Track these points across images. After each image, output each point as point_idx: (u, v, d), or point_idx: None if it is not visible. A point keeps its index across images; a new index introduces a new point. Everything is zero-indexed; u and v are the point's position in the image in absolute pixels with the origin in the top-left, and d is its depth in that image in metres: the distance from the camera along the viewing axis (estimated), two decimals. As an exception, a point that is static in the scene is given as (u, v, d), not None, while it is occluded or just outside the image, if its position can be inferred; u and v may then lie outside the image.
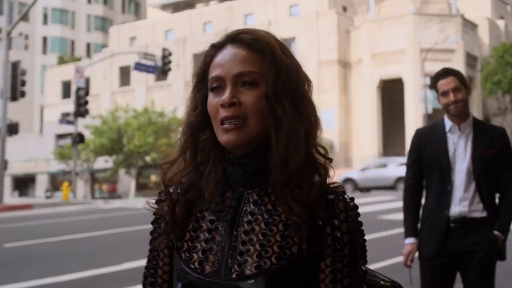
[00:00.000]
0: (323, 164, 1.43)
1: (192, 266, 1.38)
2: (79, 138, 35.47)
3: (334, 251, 1.36)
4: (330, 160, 1.44)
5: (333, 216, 1.36)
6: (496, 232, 3.83)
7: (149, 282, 1.49)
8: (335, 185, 1.42)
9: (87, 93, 34.84)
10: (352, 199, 1.41)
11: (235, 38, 1.41)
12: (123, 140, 46.60)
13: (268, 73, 1.36)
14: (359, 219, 1.43)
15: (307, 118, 1.39)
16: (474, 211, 3.85)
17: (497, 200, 3.95)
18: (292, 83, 1.39)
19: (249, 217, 1.38)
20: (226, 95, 1.35)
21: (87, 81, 33.91)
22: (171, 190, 1.49)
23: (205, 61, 1.44)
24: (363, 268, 1.45)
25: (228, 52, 1.39)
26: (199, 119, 1.44)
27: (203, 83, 1.44)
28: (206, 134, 1.43)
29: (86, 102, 34.33)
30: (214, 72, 1.39)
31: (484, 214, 3.84)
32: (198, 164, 1.45)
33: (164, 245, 1.45)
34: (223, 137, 1.36)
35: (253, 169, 1.40)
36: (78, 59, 68.89)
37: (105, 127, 46.84)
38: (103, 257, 10.84)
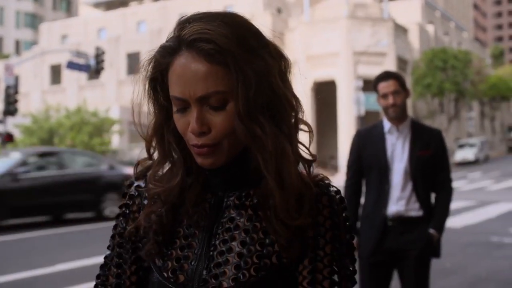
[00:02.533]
0: (306, 160, 1.32)
1: (165, 274, 1.27)
2: (9, 138, 34.49)
3: (313, 250, 1.26)
4: (314, 157, 1.33)
5: (315, 213, 1.26)
6: (431, 231, 3.95)
7: (115, 283, 1.36)
8: (320, 177, 1.31)
9: (16, 92, 33.92)
10: (338, 192, 1.31)
11: (191, 44, 1.20)
12: (54, 140, 45.57)
13: (236, 89, 1.19)
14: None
15: (288, 122, 1.27)
16: (410, 210, 3.95)
17: (433, 200, 4.08)
18: (264, 94, 1.22)
19: (229, 224, 1.28)
20: (193, 122, 1.20)
21: (16, 79, 32.96)
22: (142, 185, 1.38)
23: (160, 69, 1.26)
24: (351, 268, 1.30)
25: (186, 65, 1.20)
26: (174, 131, 1.30)
27: (161, 87, 1.29)
28: (183, 144, 1.30)
29: (16, 101, 33.43)
30: (175, 91, 1.22)
31: (420, 213, 3.95)
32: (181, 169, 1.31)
33: (154, 255, 1.30)
34: (197, 159, 1.25)
35: (232, 176, 1.30)
36: (6, 56, 66.96)
37: (36, 126, 45.71)
38: (37, 258, 10.59)
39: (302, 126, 1.33)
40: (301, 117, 1.32)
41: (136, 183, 1.39)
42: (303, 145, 1.33)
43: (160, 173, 1.34)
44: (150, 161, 1.36)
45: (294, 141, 1.28)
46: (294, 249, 1.24)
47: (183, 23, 1.24)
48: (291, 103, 1.28)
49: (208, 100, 1.20)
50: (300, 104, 1.31)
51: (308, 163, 1.32)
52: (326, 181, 1.32)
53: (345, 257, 1.29)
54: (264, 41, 1.27)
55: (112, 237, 1.39)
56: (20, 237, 14.31)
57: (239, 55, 1.19)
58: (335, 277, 1.26)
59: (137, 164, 1.39)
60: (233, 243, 1.25)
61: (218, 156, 1.24)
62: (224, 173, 1.30)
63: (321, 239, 1.26)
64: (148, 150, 1.35)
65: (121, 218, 1.39)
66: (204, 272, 1.25)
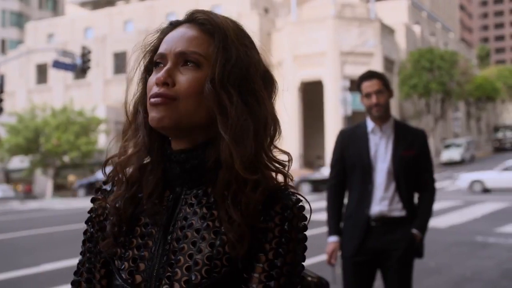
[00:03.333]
0: (278, 171, 1.32)
1: (124, 275, 1.26)
2: (-6, 137, 34.26)
3: (258, 254, 1.24)
4: (284, 167, 1.33)
5: (267, 219, 1.25)
6: (414, 231, 3.94)
7: None
8: (282, 184, 1.32)
9: (2, 91, 33.72)
10: (297, 201, 1.30)
11: (190, 17, 1.34)
12: (40, 139, 45.34)
13: (215, 57, 1.27)
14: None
15: (257, 115, 1.27)
16: (393, 210, 3.94)
17: (416, 200, 4.08)
18: (241, 74, 1.28)
19: (183, 222, 1.27)
20: (161, 72, 1.26)
21: (2, 78, 32.75)
22: (108, 188, 1.38)
23: (159, 38, 1.35)
24: (295, 279, 1.28)
25: (179, 31, 1.31)
26: (145, 105, 1.33)
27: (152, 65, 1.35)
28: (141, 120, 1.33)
29: (1, 100, 33.24)
30: (160, 49, 1.31)
31: (403, 213, 3.94)
32: (142, 159, 1.33)
33: (112, 250, 1.30)
34: (150, 114, 1.26)
35: (191, 167, 1.29)
36: (-7, 55, 66.60)
37: (22, 125, 45.45)
38: (22, 259, 10.54)
39: (280, 156, 1.35)
40: (277, 140, 1.34)
41: (104, 187, 1.41)
42: (286, 152, 1.35)
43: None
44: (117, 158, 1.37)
45: (261, 134, 1.29)
46: (242, 247, 1.22)
47: (190, 10, 1.37)
48: (264, 107, 1.30)
49: (185, 57, 1.28)
50: (279, 125, 1.34)
51: (283, 174, 1.33)
52: (289, 190, 1.31)
53: (288, 266, 1.25)
54: (256, 50, 1.36)
55: (83, 242, 1.40)
56: (4, 237, 14.22)
57: (229, 34, 1.30)
58: (272, 283, 1.23)
59: (105, 163, 1.40)
60: (186, 241, 1.25)
61: (170, 113, 1.25)
62: (183, 162, 1.30)
63: (267, 244, 1.24)
64: (125, 131, 1.37)
65: (89, 223, 1.39)
66: (161, 271, 1.24)
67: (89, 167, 46.98)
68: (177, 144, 1.31)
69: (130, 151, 1.34)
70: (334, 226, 4.09)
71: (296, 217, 1.27)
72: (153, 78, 1.28)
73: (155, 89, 1.26)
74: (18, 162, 49.15)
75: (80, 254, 1.40)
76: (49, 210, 25.66)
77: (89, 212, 1.40)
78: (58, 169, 48.89)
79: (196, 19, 1.32)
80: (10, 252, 11.57)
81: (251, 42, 1.35)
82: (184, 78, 1.26)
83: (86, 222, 1.40)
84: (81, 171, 49.01)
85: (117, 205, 1.31)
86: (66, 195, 44.49)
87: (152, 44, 1.36)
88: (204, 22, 1.30)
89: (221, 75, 1.25)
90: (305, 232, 1.29)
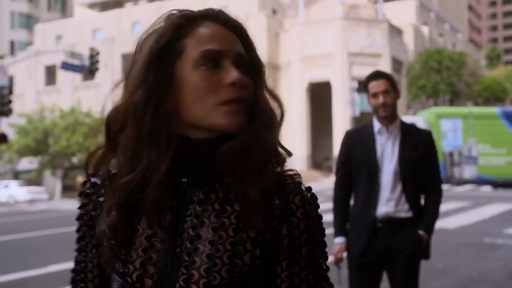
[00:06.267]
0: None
1: (129, 279, 1.18)
2: (3, 138, 34.38)
3: (290, 253, 1.22)
4: (290, 154, 1.30)
5: (289, 213, 1.22)
6: (421, 232, 3.93)
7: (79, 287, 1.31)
8: (291, 172, 1.27)
9: (11, 92, 33.86)
10: (308, 189, 1.27)
11: (213, 15, 1.26)
12: (48, 140, 45.50)
13: (255, 59, 1.29)
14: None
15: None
16: (400, 211, 3.93)
17: (422, 201, 4.06)
18: (263, 70, 1.31)
19: (194, 220, 1.19)
20: (236, 74, 1.19)
21: (11, 79, 32.88)
22: (98, 182, 1.28)
23: (178, 33, 1.23)
24: (325, 267, 1.28)
25: (216, 28, 1.23)
26: (147, 98, 1.20)
27: (168, 57, 1.22)
28: (152, 118, 1.19)
29: (10, 101, 33.37)
30: (211, 45, 1.20)
31: (410, 214, 3.93)
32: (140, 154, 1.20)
33: (113, 262, 1.22)
34: (224, 119, 1.18)
35: (208, 157, 1.20)
36: (1, 57, 66.81)
37: (31, 127, 45.63)
38: (29, 259, 10.57)
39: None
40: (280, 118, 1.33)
41: (93, 180, 1.30)
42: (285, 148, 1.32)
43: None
44: (102, 152, 1.27)
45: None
46: (256, 220, 1.18)
47: (205, 10, 1.31)
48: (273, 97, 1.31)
49: (242, 59, 1.24)
50: (282, 106, 1.32)
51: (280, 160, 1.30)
52: (298, 179, 1.27)
53: (319, 258, 1.26)
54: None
55: (77, 240, 1.33)
56: (12, 238, 14.28)
57: (245, 33, 1.29)
58: (312, 279, 1.24)
59: (89, 158, 1.29)
60: (200, 242, 1.17)
61: (245, 118, 1.22)
62: (202, 152, 1.21)
63: (297, 241, 1.22)
64: (115, 129, 1.24)
65: (80, 220, 1.32)
66: (173, 274, 1.17)
67: (97, 168, 47.06)
68: (199, 133, 1.22)
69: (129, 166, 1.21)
70: (340, 227, 4.08)
71: (315, 206, 1.27)
72: (213, 77, 1.19)
73: (232, 93, 1.19)
74: (27, 163, 49.35)
75: (75, 251, 1.34)
76: (57, 211, 25.74)
77: (79, 207, 1.31)
78: (66, 170, 49.04)
79: (219, 17, 1.25)
80: (17, 253, 11.60)
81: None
82: (249, 81, 1.25)
83: (77, 219, 1.31)
84: (89, 172, 49.07)
85: (110, 217, 1.20)
86: (74, 196, 44.58)
87: (169, 36, 1.23)
88: (227, 20, 1.26)
89: (262, 78, 1.28)
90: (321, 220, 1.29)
